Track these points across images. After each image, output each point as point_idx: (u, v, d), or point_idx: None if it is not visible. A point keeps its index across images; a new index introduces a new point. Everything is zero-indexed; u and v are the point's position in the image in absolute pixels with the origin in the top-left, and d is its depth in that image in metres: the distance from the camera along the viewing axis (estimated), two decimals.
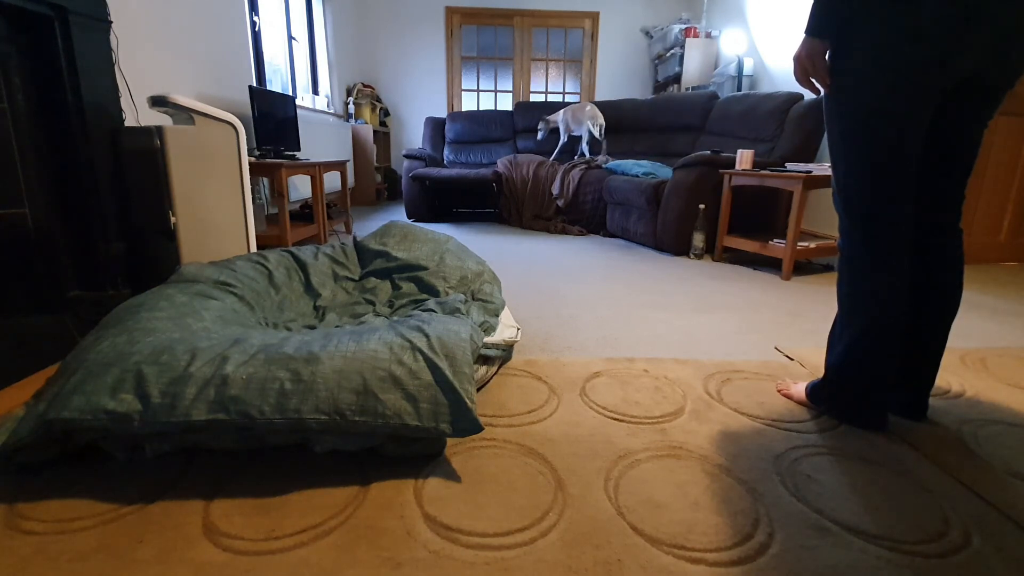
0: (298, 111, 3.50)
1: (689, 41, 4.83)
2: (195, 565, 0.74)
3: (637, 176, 3.36)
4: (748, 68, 4.22)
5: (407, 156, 4.40)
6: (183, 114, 1.78)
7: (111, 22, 1.64)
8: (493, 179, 4.04)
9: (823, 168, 2.41)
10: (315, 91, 4.94)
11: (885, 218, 1.02)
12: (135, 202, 1.71)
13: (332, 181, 4.33)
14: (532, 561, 0.76)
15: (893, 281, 1.03)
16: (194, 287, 1.28)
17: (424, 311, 1.33)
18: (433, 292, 1.59)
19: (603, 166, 3.87)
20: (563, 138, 4.43)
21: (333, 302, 1.60)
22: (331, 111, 5.07)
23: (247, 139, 2.17)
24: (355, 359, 0.96)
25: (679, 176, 2.99)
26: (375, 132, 5.43)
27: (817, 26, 1.00)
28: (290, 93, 4.08)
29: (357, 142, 5.17)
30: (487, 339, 1.31)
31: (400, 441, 0.96)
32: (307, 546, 0.78)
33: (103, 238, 1.65)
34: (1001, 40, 0.91)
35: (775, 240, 2.59)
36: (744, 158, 2.70)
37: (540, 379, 1.35)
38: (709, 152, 2.92)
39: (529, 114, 4.70)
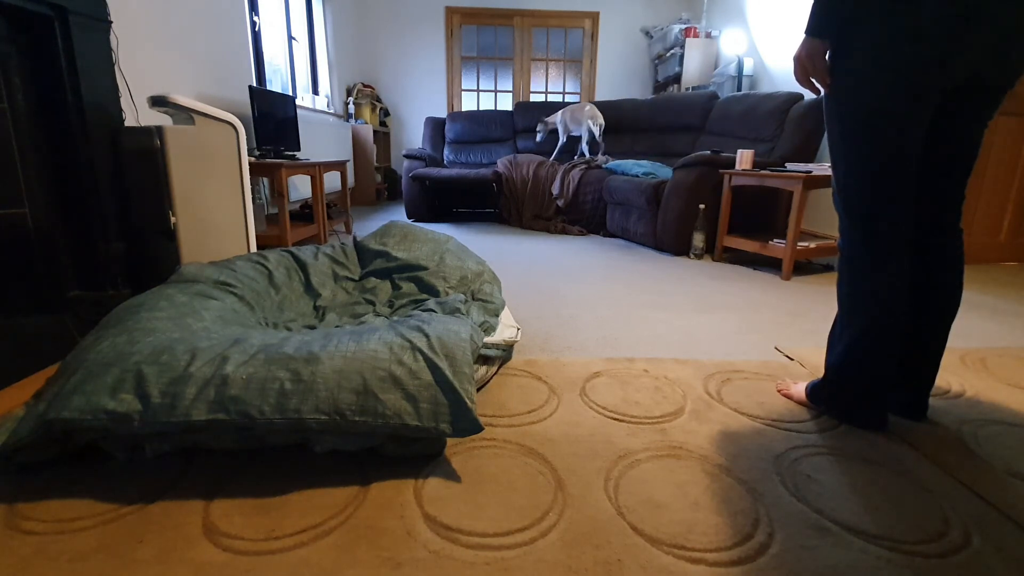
0: (298, 111, 3.50)
1: (689, 41, 4.84)
2: (195, 565, 0.74)
3: (637, 176, 3.36)
4: (748, 68, 4.22)
5: (407, 156, 4.40)
6: (183, 114, 1.78)
7: (111, 22, 1.64)
8: (493, 179, 4.04)
9: (823, 168, 2.41)
10: (315, 91, 4.93)
11: (885, 218, 1.02)
12: (135, 202, 1.71)
13: (332, 181, 4.33)
14: (532, 561, 0.76)
15: (893, 281, 1.03)
16: (194, 287, 1.28)
17: (424, 311, 1.33)
18: (433, 292, 1.59)
19: (603, 166, 3.87)
20: (562, 138, 4.43)
21: (333, 302, 1.60)
22: (331, 111, 5.07)
23: (247, 139, 2.17)
24: (355, 359, 0.96)
25: (679, 176, 2.99)
26: (375, 132, 5.43)
27: (817, 26, 1.00)
28: (290, 93, 4.08)
29: (357, 142, 5.17)
30: (487, 339, 1.31)
31: (400, 441, 0.96)
32: (307, 546, 0.78)
33: (103, 238, 1.65)
34: (1001, 40, 0.91)
35: (775, 240, 2.58)
36: (744, 158, 2.70)
37: (540, 379, 1.35)
38: (709, 152, 2.92)
39: (529, 114, 4.70)
